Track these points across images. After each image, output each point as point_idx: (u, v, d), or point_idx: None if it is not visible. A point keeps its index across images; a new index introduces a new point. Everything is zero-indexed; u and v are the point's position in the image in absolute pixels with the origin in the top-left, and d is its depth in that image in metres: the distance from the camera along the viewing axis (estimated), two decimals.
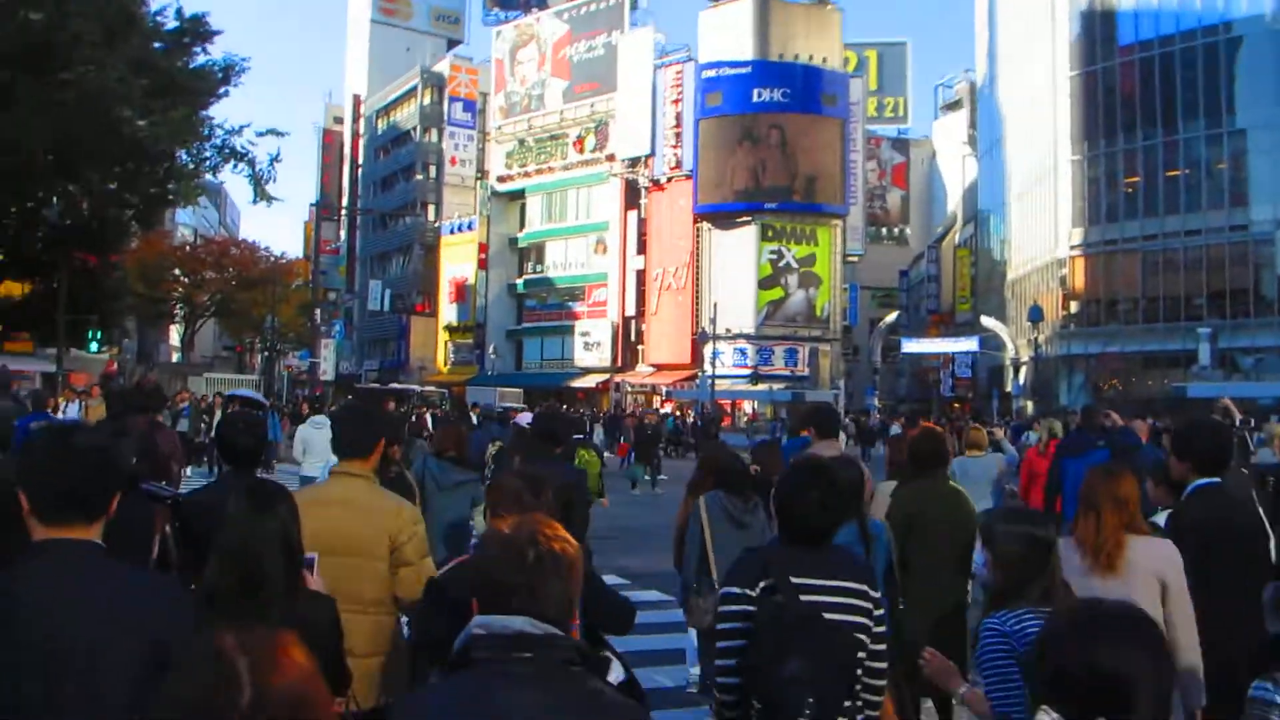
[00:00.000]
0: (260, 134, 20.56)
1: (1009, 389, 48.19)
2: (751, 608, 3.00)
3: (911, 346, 55.91)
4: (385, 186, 74.17)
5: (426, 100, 67.87)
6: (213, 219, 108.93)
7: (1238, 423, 11.00)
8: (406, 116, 71.21)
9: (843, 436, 9.66)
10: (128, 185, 20.65)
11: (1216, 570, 3.65)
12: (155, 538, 3.45)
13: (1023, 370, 47.82)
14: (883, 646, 3.12)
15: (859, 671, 3.00)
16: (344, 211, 74.58)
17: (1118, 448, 8.35)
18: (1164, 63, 43.19)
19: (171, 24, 20.04)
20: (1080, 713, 1.54)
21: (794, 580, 2.99)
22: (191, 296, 59.53)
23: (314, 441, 11.18)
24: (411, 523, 3.72)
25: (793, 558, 3.08)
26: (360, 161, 77.57)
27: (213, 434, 15.45)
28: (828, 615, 2.94)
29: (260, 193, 20.11)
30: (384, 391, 38.69)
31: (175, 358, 75.12)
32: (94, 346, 26.91)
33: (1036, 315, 41.81)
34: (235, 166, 20.28)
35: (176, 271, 57.61)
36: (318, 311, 36.95)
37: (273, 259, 60.75)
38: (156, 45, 19.37)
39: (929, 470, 5.47)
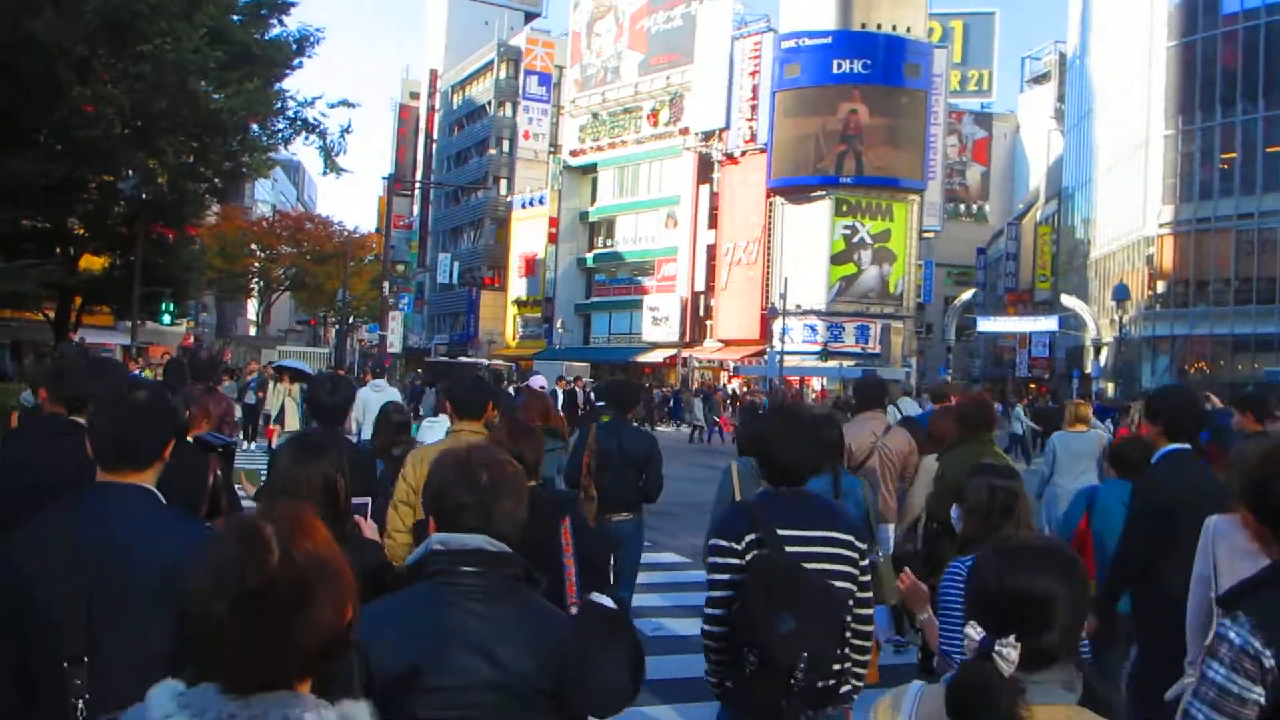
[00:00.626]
0: (332, 105, 20.50)
1: (1089, 370, 46.61)
2: (738, 560, 3.06)
3: (987, 325, 54.43)
4: (459, 161, 74.48)
5: (502, 74, 67.80)
6: (290, 195, 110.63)
7: None
8: (482, 91, 71.29)
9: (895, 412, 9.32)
10: (203, 158, 20.64)
11: (1184, 535, 3.62)
12: (208, 483, 3.62)
13: (1104, 351, 46.26)
14: (869, 595, 3.18)
15: (848, 622, 3.08)
16: (418, 185, 75.04)
17: (1215, 429, 7.96)
18: (1270, 34, 41.07)
19: None
20: (999, 627, 1.74)
21: (780, 532, 3.02)
22: (267, 271, 60.36)
23: (372, 403, 11.25)
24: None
25: (778, 509, 3.13)
26: (435, 136, 77.96)
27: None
28: (813, 565, 2.99)
29: (330, 164, 20.03)
30: (451, 364, 38.81)
31: (253, 331, 76.51)
32: (167, 319, 27.09)
33: (1122, 293, 40.24)
34: (307, 138, 20.26)
35: (253, 246, 58.40)
36: (386, 285, 37.02)
37: (346, 233, 61.24)
38: (233, 17, 19.31)
39: (974, 435, 5.68)
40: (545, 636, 2.02)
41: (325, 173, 21.03)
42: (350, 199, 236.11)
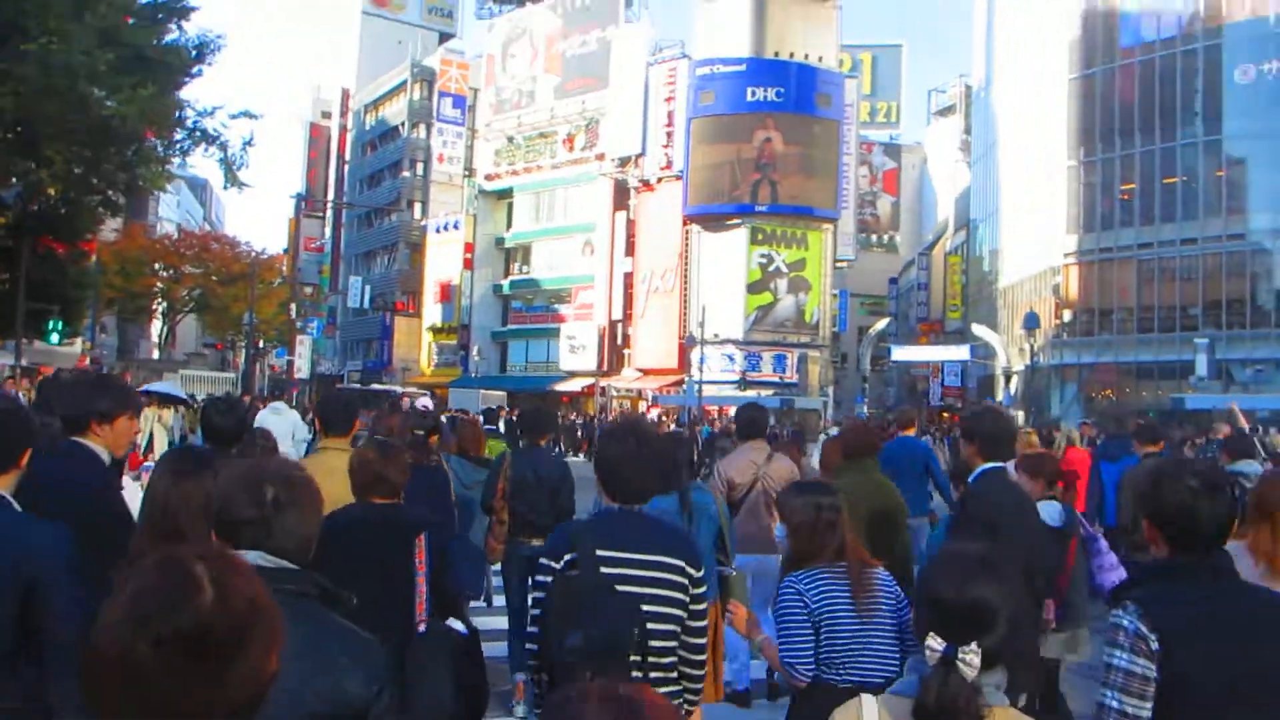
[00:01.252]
0: (234, 116, 19.63)
1: (1000, 398, 47.43)
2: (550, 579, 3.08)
3: (901, 354, 55.18)
4: (372, 183, 73.13)
5: (416, 95, 66.86)
6: (197, 214, 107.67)
7: (1246, 431, 11.43)
8: (395, 112, 70.20)
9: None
10: (95, 169, 19.56)
11: (1003, 548, 3.62)
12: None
13: (1013, 380, 47.14)
14: (701, 623, 3.13)
15: (664, 644, 3.02)
16: (329, 206, 73.50)
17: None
18: (1164, 66, 42.56)
19: None
20: (959, 635, 1.87)
21: (602, 553, 3.01)
22: (171, 292, 58.34)
23: (271, 426, 11.90)
24: None
25: (606, 529, 3.12)
26: (347, 157, 76.52)
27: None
28: (630, 588, 2.96)
29: (231, 178, 19.20)
30: (363, 392, 37.74)
31: (156, 354, 73.91)
32: (54, 338, 25.60)
33: (1033, 322, 41.13)
34: (207, 150, 19.39)
35: (156, 266, 56.40)
36: (293, 306, 35.88)
37: (254, 255, 59.61)
38: (128, 21, 18.35)
39: (858, 461, 5.75)
40: (338, 657, 1.95)
41: (226, 187, 20.22)
42: (260, 219, 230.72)
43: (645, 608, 2.95)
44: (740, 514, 6.41)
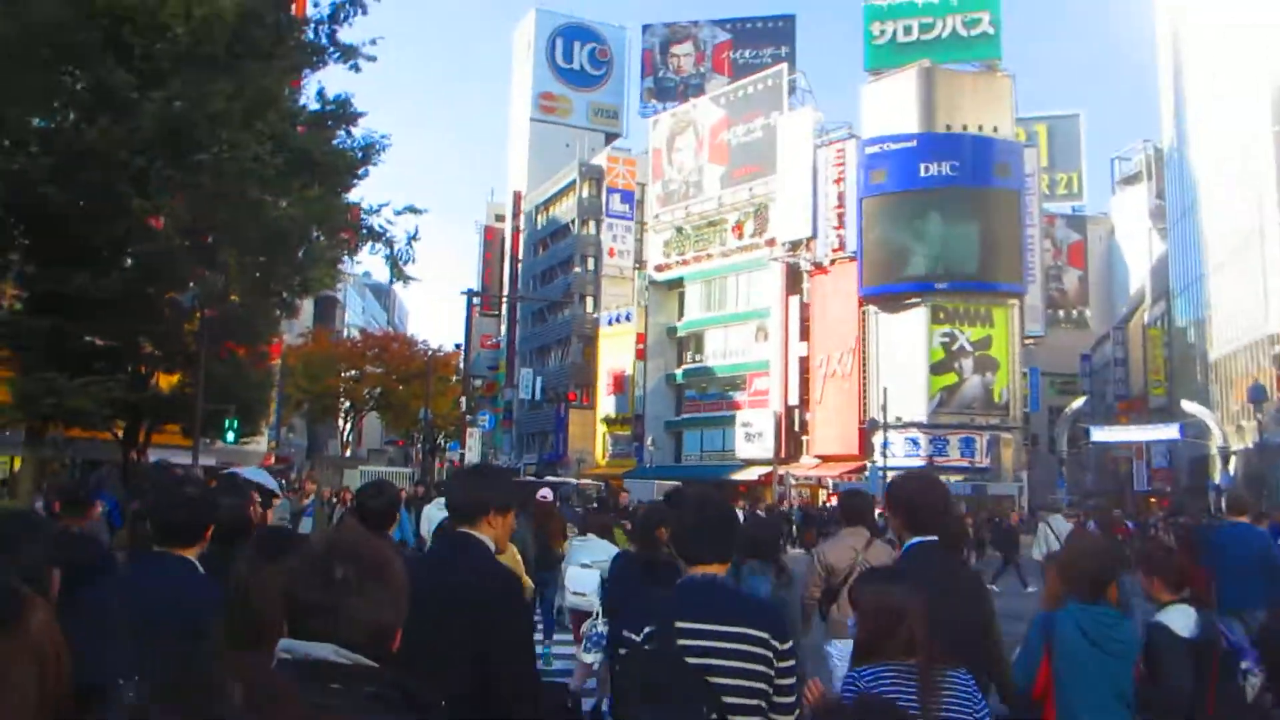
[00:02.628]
0: (399, 212, 19.68)
1: (1218, 480, 43.31)
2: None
3: (1102, 435, 51.33)
4: (544, 280, 74.78)
5: (585, 193, 68.35)
6: (380, 318, 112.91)
7: None
8: (565, 210, 71.92)
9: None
10: (267, 272, 19.92)
11: (940, 630, 3.34)
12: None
13: (1233, 460, 43.00)
14: (789, 698, 3.01)
15: (747, 719, 2.94)
16: (504, 303, 75.44)
17: None
18: None
19: (314, 105, 19.59)
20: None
21: (681, 625, 2.95)
22: (354, 391, 60.53)
23: (435, 518, 12.16)
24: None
25: (688, 600, 3.07)
26: (520, 256, 78.69)
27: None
28: (710, 660, 2.91)
29: (398, 273, 19.18)
30: (538, 484, 37.54)
31: (348, 453, 76.89)
32: (230, 437, 26.11)
33: (1259, 395, 37.42)
34: (373, 247, 19.53)
35: (340, 367, 58.80)
36: (463, 400, 36.16)
37: (430, 352, 61.44)
38: (296, 128, 18.81)
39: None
40: None
41: (392, 282, 20.22)
42: (438, 320, 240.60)
43: (726, 680, 2.90)
44: (836, 600, 6.34)
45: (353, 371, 59.53)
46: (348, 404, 62.70)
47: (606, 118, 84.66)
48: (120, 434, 21.52)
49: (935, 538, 4.02)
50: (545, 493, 13.51)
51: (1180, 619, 4.23)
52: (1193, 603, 4.40)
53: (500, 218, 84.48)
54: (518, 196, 79.71)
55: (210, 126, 15.34)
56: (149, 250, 16.31)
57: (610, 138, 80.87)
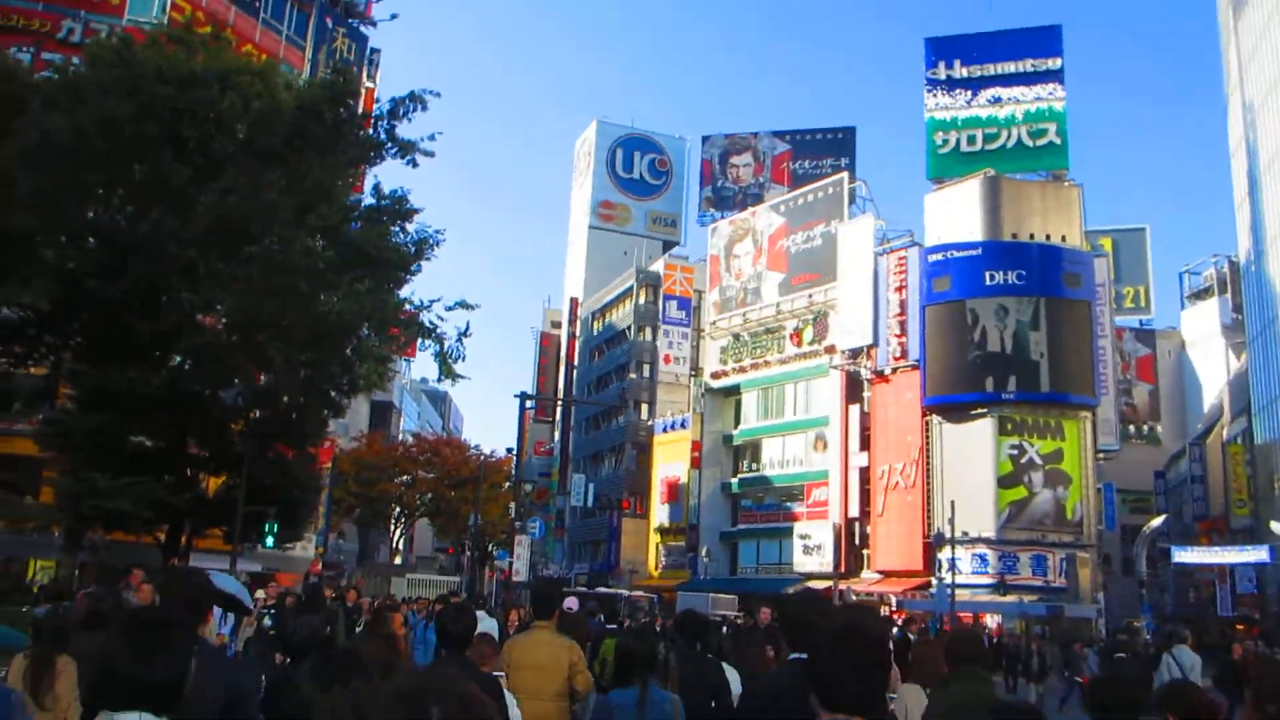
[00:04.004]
0: (449, 307, 19.17)
1: None
2: None
3: (1185, 556, 48.56)
4: (599, 386, 74.25)
5: (641, 300, 68.19)
6: (436, 425, 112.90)
7: None
8: (621, 316, 71.74)
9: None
10: (316, 368, 19.21)
11: None
12: None
13: None
14: None
15: None
16: (558, 407, 74.87)
17: None
18: None
19: (369, 199, 19.30)
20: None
21: None
22: (404, 497, 59.70)
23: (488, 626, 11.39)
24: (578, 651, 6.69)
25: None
26: (575, 363, 78.40)
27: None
28: None
29: (447, 370, 18.52)
30: (587, 595, 36.11)
31: (398, 560, 75.90)
32: (270, 541, 24.89)
33: None
34: (423, 344, 18.90)
35: (393, 472, 58.13)
36: (511, 506, 35.03)
37: (482, 457, 60.64)
38: (353, 225, 18.40)
39: (964, 670, 5.22)
40: None
41: (441, 379, 19.57)
42: (493, 427, 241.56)
43: None
44: None
45: (404, 476, 58.83)
46: (398, 510, 61.86)
47: (665, 226, 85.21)
48: (163, 538, 20.70)
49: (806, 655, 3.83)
50: (571, 604, 12.88)
51: None
52: None
53: (557, 325, 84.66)
54: (574, 303, 79.90)
55: (263, 219, 14.91)
56: (197, 344, 15.76)
57: (668, 246, 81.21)
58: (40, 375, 18.07)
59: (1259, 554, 43.33)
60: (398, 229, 19.37)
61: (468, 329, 18.57)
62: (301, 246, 15.12)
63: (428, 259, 19.24)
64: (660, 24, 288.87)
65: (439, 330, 18.75)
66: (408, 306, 19.01)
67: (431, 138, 18.12)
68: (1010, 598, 39.01)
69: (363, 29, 40.40)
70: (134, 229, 14.65)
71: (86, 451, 16.38)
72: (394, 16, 50.17)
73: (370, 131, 18.94)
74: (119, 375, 15.11)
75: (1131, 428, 69.96)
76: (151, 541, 20.73)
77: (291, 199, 15.70)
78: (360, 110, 21.05)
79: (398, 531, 68.63)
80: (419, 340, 18.89)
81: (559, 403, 74.19)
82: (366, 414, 76.91)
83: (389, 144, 19.01)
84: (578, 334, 78.82)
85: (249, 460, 19.56)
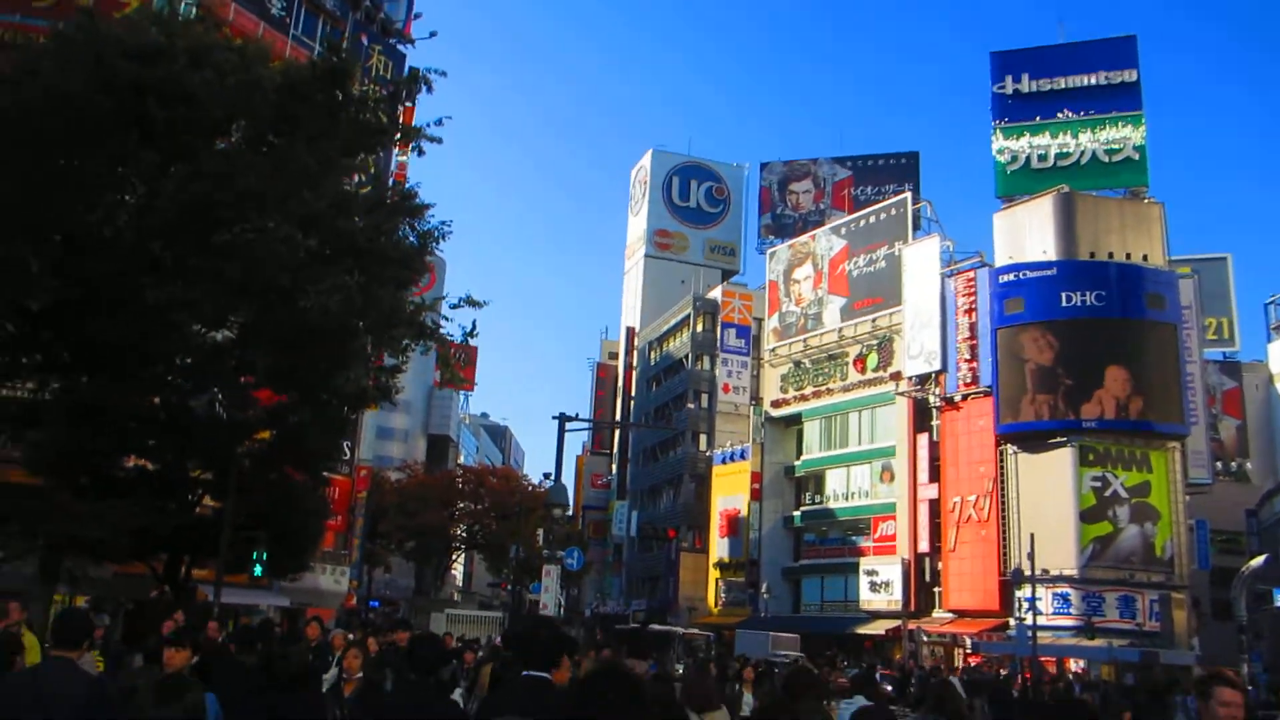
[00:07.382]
0: (453, 305, 17.36)
1: None
2: None
3: None
4: (657, 416, 72.38)
5: (699, 328, 66.37)
6: (496, 458, 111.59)
7: None
8: (679, 346, 69.97)
9: None
10: (304, 373, 17.01)
11: None
12: None
13: None
14: None
15: None
16: (615, 439, 73.11)
17: None
18: None
19: (371, 192, 17.71)
20: None
21: None
22: (447, 528, 57.94)
23: None
24: None
25: None
26: (633, 393, 76.66)
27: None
28: None
29: (450, 374, 16.90)
30: (641, 633, 34.08)
31: (456, 595, 74.44)
32: (258, 570, 21.85)
33: None
34: (422, 346, 17.25)
35: (435, 504, 56.49)
36: (540, 533, 32.65)
37: (530, 488, 58.78)
38: (357, 221, 16.63)
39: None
40: None
41: (443, 382, 17.75)
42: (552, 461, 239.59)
43: None
44: None
45: (451, 510, 57.21)
46: (450, 543, 60.27)
47: (723, 254, 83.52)
48: (161, 570, 18.96)
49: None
50: (638, 667, 11.06)
51: None
52: None
53: (614, 355, 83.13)
54: (631, 333, 78.39)
55: (237, 206, 13.25)
56: (169, 350, 14.04)
57: (726, 274, 79.46)
58: (19, 399, 16.12)
59: None
60: (407, 226, 17.63)
61: (474, 328, 17.00)
62: (280, 234, 13.42)
63: (433, 252, 17.61)
64: (716, 52, 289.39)
65: (442, 330, 17.19)
66: (408, 306, 17.31)
67: (439, 122, 16.46)
68: (1099, 641, 36.14)
69: (400, 47, 39.50)
70: (87, 220, 13.02)
71: (63, 474, 14.73)
72: (433, 34, 49.58)
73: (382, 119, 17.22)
74: (87, 388, 13.53)
75: (1219, 464, 66.26)
76: (145, 571, 18.91)
77: (272, 185, 13.99)
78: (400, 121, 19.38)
79: (453, 565, 67.10)
80: (419, 341, 17.24)
81: (615, 428, 72.41)
82: (424, 447, 75.82)
83: (391, 128, 17.48)
84: (635, 364, 77.17)
85: (233, 481, 17.65)
